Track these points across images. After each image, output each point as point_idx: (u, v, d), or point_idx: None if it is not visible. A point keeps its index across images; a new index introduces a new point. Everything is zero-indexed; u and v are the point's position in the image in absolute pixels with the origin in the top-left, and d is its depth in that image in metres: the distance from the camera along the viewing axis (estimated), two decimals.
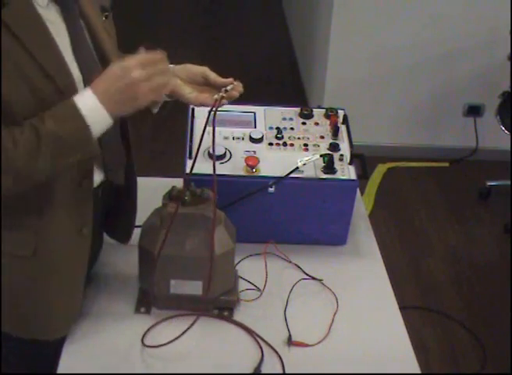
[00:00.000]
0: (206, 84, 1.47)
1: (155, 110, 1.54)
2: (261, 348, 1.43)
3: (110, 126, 1.22)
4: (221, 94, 1.40)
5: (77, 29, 1.28)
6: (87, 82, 1.23)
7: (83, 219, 1.36)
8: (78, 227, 1.35)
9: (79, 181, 1.31)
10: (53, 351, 1.42)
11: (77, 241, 1.37)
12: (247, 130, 1.73)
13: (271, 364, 1.40)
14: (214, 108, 1.38)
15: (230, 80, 1.45)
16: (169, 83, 1.25)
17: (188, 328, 1.40)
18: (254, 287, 1.58)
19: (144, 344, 1.42)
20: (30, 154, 1.15)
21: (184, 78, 1.48)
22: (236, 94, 1.44)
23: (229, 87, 1.42)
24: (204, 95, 1.45)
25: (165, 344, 1.40)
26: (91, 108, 1.18)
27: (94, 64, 1.32)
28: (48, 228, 1.31)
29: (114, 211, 1.54)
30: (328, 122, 1.79)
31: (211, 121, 1.36)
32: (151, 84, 1.20)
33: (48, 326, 1.41)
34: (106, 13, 1.38)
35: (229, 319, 1.50)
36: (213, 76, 1.47)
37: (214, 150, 1.40)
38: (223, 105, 1.41)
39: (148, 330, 1.45)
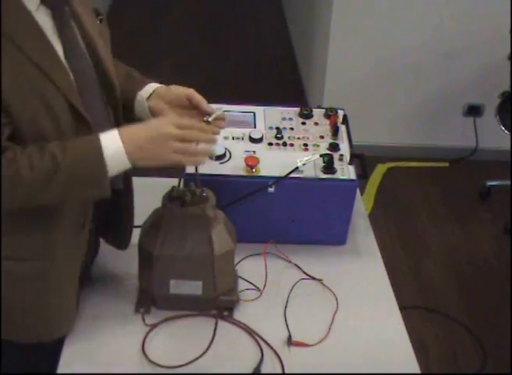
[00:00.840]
0: (190, 107, 1.42)
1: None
2: (260, 348, 1.43)
3: (127, 169, 1.24)
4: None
5: (69, 34, 1.24)
6: (81, 92, 1.22)
7: (86, 214, 1.36)
8: (81, 223, 1.35)
9: None
10: (53, 351, 1.42)
11: (78, 237, 1.37)
12: (247, 130, 1.73)
13: (271, 364, 1.40)
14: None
15: (214, 109, 1.40)
16: (208, 153, 1.28)
17: (212, 339, 1.39)
18: (253, 287, 1.58)
19: (147, 358, 1.42)
20: (44, 182, 1.16)
21: (168, 100, 1.44)
22: (223, 124, 1.40)
23: (210, 118, 1.36)
24: None
25: (177, 367, 1.39)
26: (114, 152, 1.19)
27: (88, 71, 1.29)
28: (57, 226, 1.30)
29: (111, 217, 1.53)
30: (327, 122, 1.79)
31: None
32: (183, 146, 1.23)
33: (52, 327, 1.40)
34: (100, 17, 1.36)
35: (229, 319, 1.50)
36: (197, 98, 1.41)
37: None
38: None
39: (146, 335, 1.45)
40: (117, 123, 1.41)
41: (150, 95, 1.46)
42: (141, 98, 1.46)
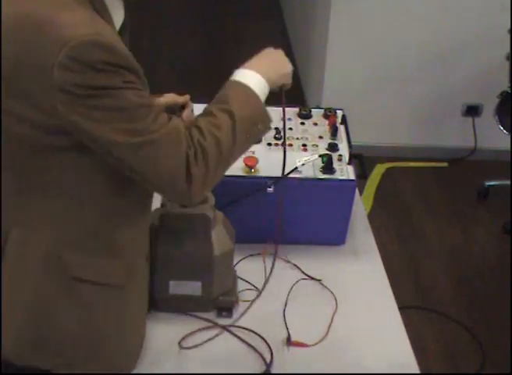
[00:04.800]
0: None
1: None
2: (259, 348, 1.43)
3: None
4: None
5: None
6: None
7: (148, 245, 1.38)
8: (147, 254, 1.37)
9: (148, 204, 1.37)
10: None
11: (145, 269, 1.38)
12: None
13: (270, 364, 1.40)
14: None
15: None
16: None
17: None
18: (253, 288, 1.58)
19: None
20: (231, 134, 1.23)
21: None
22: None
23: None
24: None
25: None
26: (257, 83, 1.32)
27: None
28: (137, 255, 1.31)
29: None
30: (326, 122, 1.79)
31: None
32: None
33: (124, 358, 1.35)
34: None
35: (228, 319, 1.50)
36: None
37: None
38: None
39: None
40: None
41: None
42: None
